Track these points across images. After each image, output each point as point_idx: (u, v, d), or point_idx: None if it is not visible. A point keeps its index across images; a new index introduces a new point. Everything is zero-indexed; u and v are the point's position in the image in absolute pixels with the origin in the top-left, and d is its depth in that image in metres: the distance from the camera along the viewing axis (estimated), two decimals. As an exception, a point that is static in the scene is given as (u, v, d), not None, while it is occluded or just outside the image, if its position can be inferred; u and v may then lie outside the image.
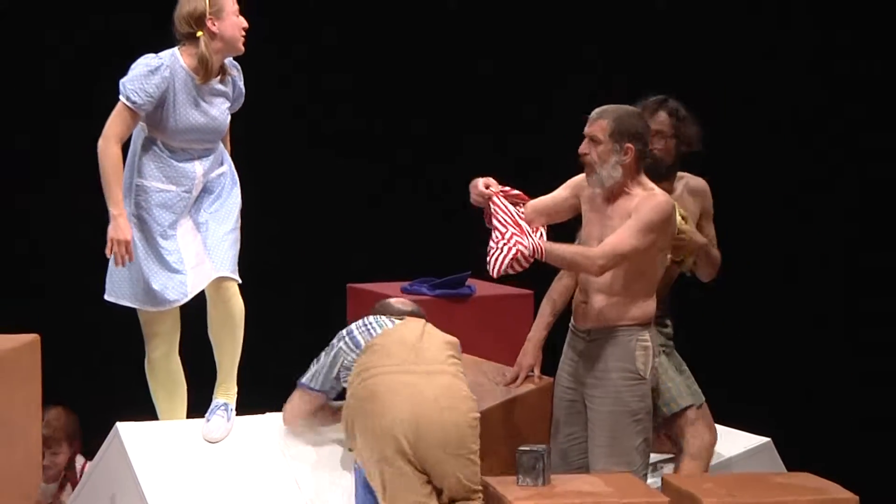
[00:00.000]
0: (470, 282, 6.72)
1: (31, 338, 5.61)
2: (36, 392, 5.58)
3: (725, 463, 6.60)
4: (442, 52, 8.33)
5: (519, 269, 5.59)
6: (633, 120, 5.68)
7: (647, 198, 5.66)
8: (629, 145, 5.58)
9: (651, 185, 5.73)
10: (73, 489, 6.31)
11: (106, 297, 5.75)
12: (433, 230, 8.28)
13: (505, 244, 5.60)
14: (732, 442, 6.70)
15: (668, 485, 5.61)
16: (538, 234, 5.72)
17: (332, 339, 5.73)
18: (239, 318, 5.74)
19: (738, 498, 5.42)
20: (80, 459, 6.58)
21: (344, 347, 5.53)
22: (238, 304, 5.71)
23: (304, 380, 5.64)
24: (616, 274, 5.63)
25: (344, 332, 5.61)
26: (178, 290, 5.62)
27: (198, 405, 5.95)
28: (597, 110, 5.72)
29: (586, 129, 5.69)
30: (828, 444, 7.91)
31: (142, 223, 5.60)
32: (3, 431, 5.28)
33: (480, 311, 6.67)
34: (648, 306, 5.70)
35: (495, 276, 5.65)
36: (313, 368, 5.65)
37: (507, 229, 5.66)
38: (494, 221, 5.70)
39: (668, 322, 6.24)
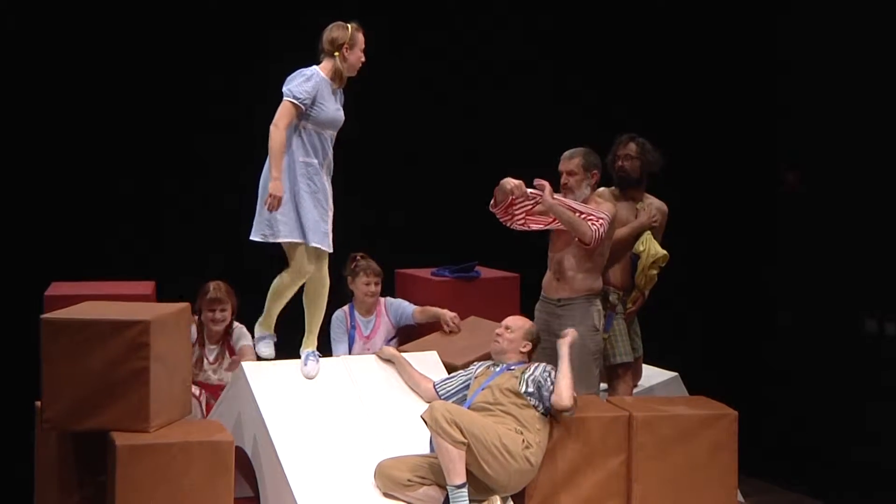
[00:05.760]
0: (477, 268, 7.95)
1: (184, 305, 6.70)
2: (187, 342, 6.68)
3: (647, 389, 7.79)
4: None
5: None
6: (593, 157, 7.04)
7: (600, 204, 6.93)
8: (595, 171, 7.02)
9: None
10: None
11: (283, 239, 6.65)
12: (448, 230, 9.24)
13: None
14: (652, 375, 7.95)
15: (612, 403, 6.76)
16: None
17: None
18: (327, 290, 6.80)
19: (656, 412, 6.58)
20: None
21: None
22: (328, 279, 6.79)
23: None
24: (580, 260, 6.89)
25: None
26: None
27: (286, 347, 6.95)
28: (568, 153, 6.96)
29: (563, 167, 6.92)
30: (718, 378, 8.41)
31: (307, 185, 6.63)
32: (169, 366, 6.34)
33: (483, 287, 7.81)
34: (598, 282, 7.04)
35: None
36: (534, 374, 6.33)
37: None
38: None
39: (626, 298, 7.44)
